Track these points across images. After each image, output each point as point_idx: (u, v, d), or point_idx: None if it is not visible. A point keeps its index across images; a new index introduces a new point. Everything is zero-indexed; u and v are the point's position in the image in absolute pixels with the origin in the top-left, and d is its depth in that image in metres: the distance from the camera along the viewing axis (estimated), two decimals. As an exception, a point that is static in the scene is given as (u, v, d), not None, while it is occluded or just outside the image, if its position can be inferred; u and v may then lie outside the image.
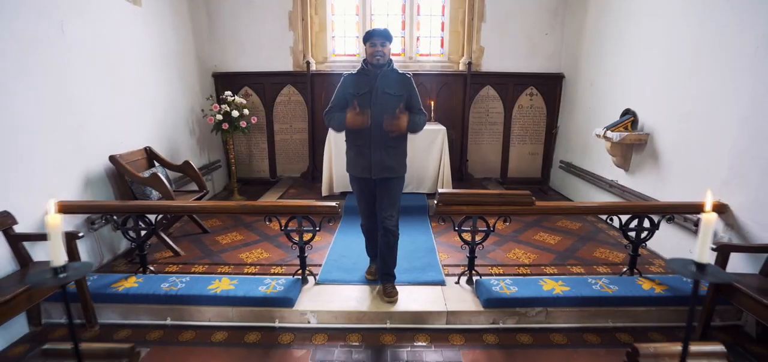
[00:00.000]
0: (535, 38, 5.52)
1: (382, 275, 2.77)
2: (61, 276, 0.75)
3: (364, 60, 2.60)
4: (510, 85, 5.69)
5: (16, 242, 2.46)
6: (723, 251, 2.36)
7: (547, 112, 5.80)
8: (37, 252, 2.62)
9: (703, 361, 1.02)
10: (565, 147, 5.56)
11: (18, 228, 2.48)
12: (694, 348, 1.02)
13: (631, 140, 3.79)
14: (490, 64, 5.61)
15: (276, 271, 3.21)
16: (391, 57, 2.61)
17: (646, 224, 2.89)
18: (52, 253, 0.75)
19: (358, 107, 2.45)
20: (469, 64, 5.54)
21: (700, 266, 0.88)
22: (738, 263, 2.62)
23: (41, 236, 2.61)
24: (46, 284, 0.74)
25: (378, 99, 2.51)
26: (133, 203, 3.05)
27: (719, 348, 1.07)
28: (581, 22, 5.07)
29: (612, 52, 4.42)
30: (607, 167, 4.38)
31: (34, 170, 2.70)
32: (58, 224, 0.77)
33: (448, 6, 5.68)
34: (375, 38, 2.49)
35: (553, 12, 5.43)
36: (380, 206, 2.66)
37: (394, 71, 2.59)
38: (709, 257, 0.90)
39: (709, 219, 0.91)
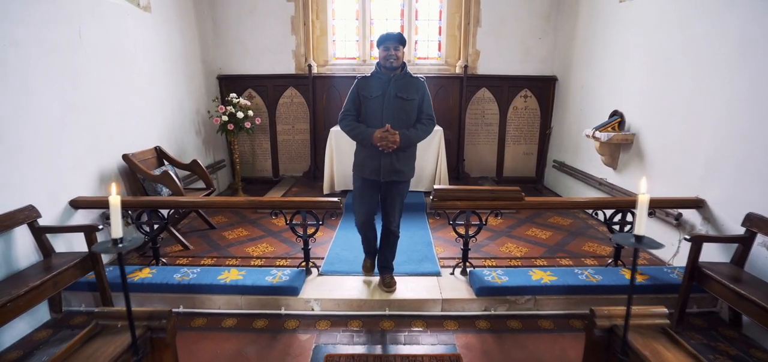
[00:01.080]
0: (528, 42, 5.72)
1: (382, 267, 2.93)
2: (120, 245, 0.92)
3: (377, 63, 2.62)
4: (505, 87, 5.89)
5: (40, 234, 2.64)
6: (696, 241, 2.55)
7: (541, 113, 6.00)
8: (58, 244, 2.80)
9: (647, 320, 1.20)
10: (558, 147, 5.76)
11: (41, 221, 2.67)
12: (637, 309, 1.21)
13: (618, 140, 3.98)
14: (486, 67, 5.80)
15: (281, 264, 3.39)
16: (404, 61, 2.63)
17: (629, 218, 3.09)
18: (112, 228, 0.93)
19: (388, 132, 2.47)
20: (466, 67, 5.73)
21: (638, 238, 1.07)
22: (713, 254, 2.81)
23: (62, 229, 2.80)
24: (108, 251, 0.91)
25: (390, 103, 2.53)
26: (147, 198, 3.23)
27: (661, 309, 1.25)
28: (572, 27, 5.27)
29: (601, 56, 4.62)
30: (596, 166, 4.58)
31: (55, 167, 2.89)
32: (118, 203, 0.95)
33: (445, 11, 5.88)
34: (388, 42, 2.50)
35: (545, 17, 5.64)
36: (385, 209, 2.73)
37: (407, 75, 2.61)
38: (644, 230, 1.09)
39: (644, 200, 1.10)
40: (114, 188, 0.96)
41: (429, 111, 2.65)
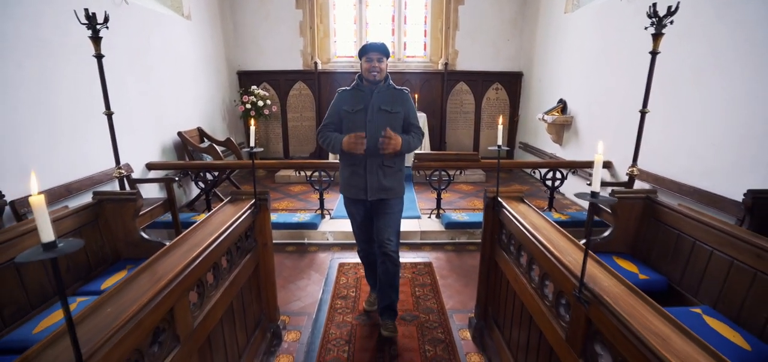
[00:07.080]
0: (499, 44, 6.84)
1: (383, 309, 2.50)
2: (254, 150, 1.96)
3: (358, 76, 2.40)
4: (479, 81, 7.01)
5: (133, 184, 3.70)
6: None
7: (510, 103, 7.13)
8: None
9: (512, 194, 2.27)
10: (524, 131, 6.90)
11: (133, 175, 3.72)
12: (508, 188, 2.29)
13: (561, 121, 5.12)
14: (464, 64, 6.91)
15: (301, 211, 4.47)
16: (388, 73, 2.40)
17: (558, 175, 4.22)
18: (251, 141, 1.97)
19: (357, 135, 2.25)
20: (446, 64, 6.84)
21: (499, 146, 2.14)
22: (614, 199, 3.96)
23: (148, 180, 3.87)
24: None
25: (373, 116, 2.32)
26: (205, 162, 4.30)
27: (519, 188, 2.32)
28: (533, 31, 6.40)
29: (552, 54, 5.75)
30: (548, 144, 5.72)
31: (135, 138, 3.94)
32: (254, 131, 2.01)
33: (429, 17, 6.97)
34: (371, 53, 2.30)
35: (512, 23, 6.75)
36: (378, 230, 2.45)
37: (390, 87, 2.39)
38: (501, 142, 2.15)
39: (500, 129, 2.16)
40: (253, 122, 2.01)
41: (417, 123, 2.48)
